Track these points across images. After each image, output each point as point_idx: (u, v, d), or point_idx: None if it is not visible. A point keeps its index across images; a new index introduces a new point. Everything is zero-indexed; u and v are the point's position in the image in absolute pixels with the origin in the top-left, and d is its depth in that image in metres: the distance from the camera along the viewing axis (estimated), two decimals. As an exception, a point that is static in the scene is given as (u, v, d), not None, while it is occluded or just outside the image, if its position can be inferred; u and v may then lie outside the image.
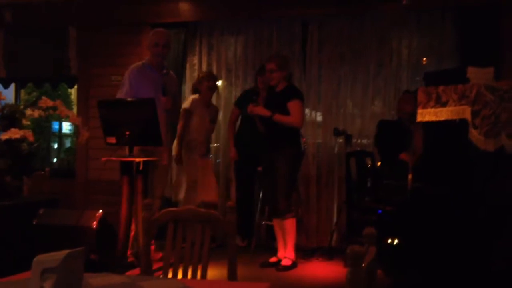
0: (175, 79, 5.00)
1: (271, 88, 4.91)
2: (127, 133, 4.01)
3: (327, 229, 5.72)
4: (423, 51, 5.80)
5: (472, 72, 3.61)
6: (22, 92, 7.22)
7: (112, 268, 3.84)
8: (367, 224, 3.65)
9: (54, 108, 5.01)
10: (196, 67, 6.17)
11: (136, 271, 3.83)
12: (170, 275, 2.11)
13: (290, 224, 4.73)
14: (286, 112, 4.70)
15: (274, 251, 4.95)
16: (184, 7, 6.03)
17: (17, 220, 4.46)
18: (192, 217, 2.18)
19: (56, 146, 8.70)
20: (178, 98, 5.17)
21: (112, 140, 4.08)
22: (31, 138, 4.76)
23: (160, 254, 4.32)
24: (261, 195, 5.39)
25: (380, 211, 4.47)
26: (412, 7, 5.49)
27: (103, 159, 4.09)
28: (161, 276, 2.15)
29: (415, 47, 5.82)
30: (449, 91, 3.55)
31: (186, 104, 5.37)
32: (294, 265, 4.75)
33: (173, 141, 5.29)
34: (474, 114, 3.39)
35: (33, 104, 5.15)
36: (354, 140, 5.53)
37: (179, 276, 2.11)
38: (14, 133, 4.67)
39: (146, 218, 2.19)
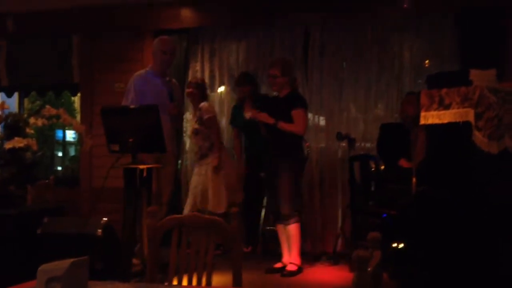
0: (178, 86, 5.02)
1: (266, 96, 4.93)
2: (131, 140, 4.01)
3: (331, 233, 5.70)
4: (425, 54, 5.80)
5: (474, 74, 3.61)
6: (26, 101, 7.24)
7: (117, 276, 3.84)
8: (372, 228, 3.64)
9: (58, 117, 5.03)
10: (198, 73, 6.18)
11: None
12: (175, 282, 2.11)
13: (294, 229, 4.72)
14: (289, 118, 4.70)
15: (279, 257, 4.93)
16: (186, 13, 6.05)
17: (22, 229, 4.46)
18: (196, 223, 2.18)
19: (60, 154, 8.73)
20: (182, 105, 5.18)
21: (116, 147, 4.09)
22: (34, 147, 4.77)
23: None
24: (265, 200, 5.39)
25: (384, 215, 4.45)
26: (412, 11, 5.50)
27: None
28: (165, 284, 2.15)
29: (416, 50, 5.81)
30: (452, 93, 3.54)
31: (212, 112, 5.28)
32: (299, 270, 4.73)
33: (178, 147, 5.28)
34: (478, 116, 3.39)
35: (37, 113, 5.16)
36: (357, 144, 5.52)
37: (184, 283, 2.10)
38: (18, 142, 4.68)
39: (150, 225, 2.19)
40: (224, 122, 6.02)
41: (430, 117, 3.67)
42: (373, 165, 5.16)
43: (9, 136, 4.78)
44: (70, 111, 8.29)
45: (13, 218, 4.47)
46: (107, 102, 5.73)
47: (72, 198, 5.95)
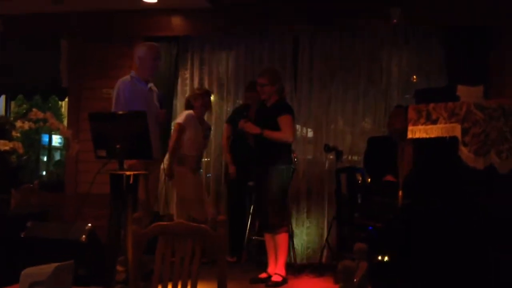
0: (157, 92, 5.02)
1: (263, 103, 4.93)
2: (118, 146, 3.99)
3: (317, 245, 5.71)
4: (413, 69, 5.87)
5: (462, 90, 3.65)
6: (12, 104, 7.18)
7: (101, 282, 3.80)
8: (358, 240, 3.64)
9: (44, 121, 4.99)
10: (187, 81, 6.18)
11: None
12: (159, 290, 2.09)
13: (282, 239, 4.71)
14: (276, 127, 4.71)
15: (264, 267, 4.92)
16: (176, 21, 6.06)
17: (5, 233, 4.41)
18: (182, 231, 2.17)
19: (45, 159, 8.66)
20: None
21: (103, 153, 4.06)
22: (20, 150, 4.73)
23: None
24: (251, 210, 5.38)
25: (370, 227, 4.47)
26: (401, 26, 5.56)
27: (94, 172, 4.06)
28: (150, 291, 2.13)
29: (404, 65, 5.88)
30: (439, 108, 3.57)
31: (180, 119, 5.35)
32: (284, 281, 4.72)
33: (164, 154, 5.27)
34: (464, 131, 3.42)
35: (23, 116, 5.12)
36: (344, 157, 5.55)
37: (169, 291, 2.09)
38: (3, 145, 4.64)
39: (135, 231, 2.18)
40: (212, 131, 6.00)
41: (417, 131, 3.69)
42: (359, 178, 5.18)
43: (-5, 139, 4.74)
44: (57, 115, 8.24)
45: (-4, 221, 4.43)
46: (95, 107, 5.71)
47: (56, 203, 5.88)
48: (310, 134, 6.03)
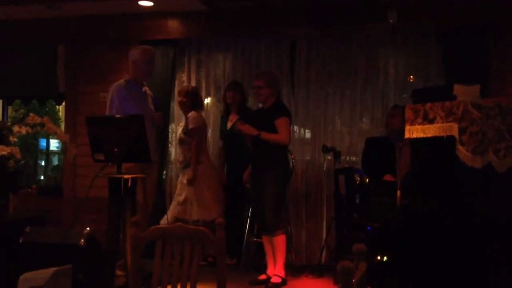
0: (152, 95, 5.01)
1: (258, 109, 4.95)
2: (115, 150, 3.98)
3: (316, 246, 5.70)
4: (410, 69, 5.87)
5: (458, 89, 3.65)
6: (10, 109, 7.18)
7: (100, 287, 3.79)
8: (357, 241, 3.64)
9: (42, 125, 4.98)
10: (185, 84, 6.17)
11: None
12: (158, 293, 2.09)
13: (280, 241, 4.72)
14: (273, 129, 4.72)
15: (263, 269, 4.92)
16: (173, 24, 6.06)
17: (3, 238, 4.40)
18: (181, 234, 2.16)
19: (43, 163, 8.64)
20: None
21: (100, 157, 4.06)
22: (18, 155, 4.72)
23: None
24: (250, 212, 5.37)
25: (369, 228, 4.47)
26: (398, 27, 5.57)
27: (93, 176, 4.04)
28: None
29: (402, 65, 5.88)
30: (436, 108, 3.58)
31: (200, 123, 5.27)
32: (283, 282, 4.72)
33: (164, 157, 5.26)
34: (461, 131, 3.42)
35: (21, 121, 5.11)
36: (342, 157, 5.55)
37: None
38: (1, 150, 4.63)
39: (134, 235, 2.17)
40: (210, 132, 6.01)
41: (414, 131, 3.70)
42: (358, 178, 5.19)
43: (-8, 144, 4.73)
44: (55, 120, 8.24)
45: (-5, 227, 4.42)
46: (92, 111, 5.70)
47: (55, 208, 5.88)
48: (308, 135, 6.04)
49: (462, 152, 3.39)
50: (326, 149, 5.37)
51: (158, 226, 2.23)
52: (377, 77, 5.87)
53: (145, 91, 4.79)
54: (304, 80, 5.96)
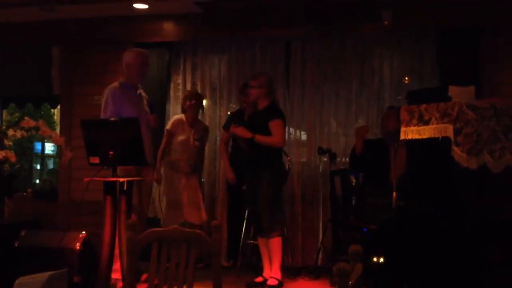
0: (147, 97, 5.00)
1: (255, 106, 4.94)
2: (111, 153, 3.98)
3: (312, 248, 5.70)
4: (405, 70, 5.88)
5: (453, 90, 3.66)
6: (4, 113, 7.15)
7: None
8: (353, 242, 3.64)
9: (37, 129, 4.97)
10: (180, 86, 6.17)
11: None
12: (154, 297, 2.08)
13: (275, 243, 4.71)
14: (267, 131, 4.71)
15: (260, 271, 4.91)
16: (168, 27, 6.05)
17: (-2, 242, 4.39)
18: (177, 237, 2.16)
19: (38, 167, 8.62)
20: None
21: (96, 160, 4.05)
22: (13, 159, 4.71)
23: (144, 275, 4.27)
24: (246, 214, 5.37)
25: (365, 229, 4.47)
26: (393, 28, 5.57)
27: (86, 179, 4.03)
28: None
29: (396, 66, 5.89)
30: (431, 109, 3.59)
31: (168, 125, 5.38)
32: (280, 284, 4.71)
33: (156, 159, 5.25)
34: (456, 132, 3.43)
35: (15, 125, 5.10)
36: (338, 159, 5.55)
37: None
38: (-5, 154, 4.62)
39: (130, 238, 2.17)
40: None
41: (410, 132, 3.71)
42: (353, 180, 5.19)
43: (-14, 148, 4.72)
44: (50, 123, 8.20)
45: (-10, 231, 4.40)
46: (87, 114, 5.68)
47: (50, 211, 5.85)
48: (303, 136, 6.03)
49: (457, 153, 3.40)
50: (321, 151, 5.38)
51: (154, 229, 2.22)
52: (372, 78, 5.87)
53: (140, 93, 4.78)
54: (299, 81, 5.95)
